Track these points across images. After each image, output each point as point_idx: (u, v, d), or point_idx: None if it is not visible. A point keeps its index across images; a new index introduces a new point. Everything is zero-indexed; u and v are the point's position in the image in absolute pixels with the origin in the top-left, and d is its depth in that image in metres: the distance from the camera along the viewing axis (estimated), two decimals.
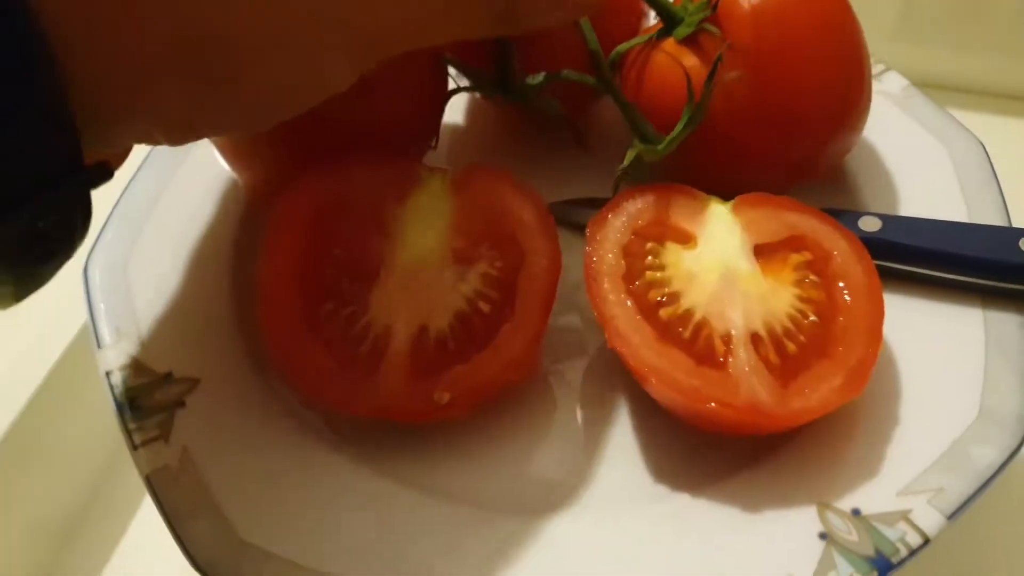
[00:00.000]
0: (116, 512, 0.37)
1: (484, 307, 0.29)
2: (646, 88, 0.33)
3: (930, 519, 0.26)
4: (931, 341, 0.30)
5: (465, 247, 0.30)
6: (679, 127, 0.31)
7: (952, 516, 0.26)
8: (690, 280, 0.30)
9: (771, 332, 0.28)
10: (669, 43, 0.33)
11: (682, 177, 0.32)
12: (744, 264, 0.30)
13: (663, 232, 0.31)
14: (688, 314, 0.29)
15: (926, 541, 0.25)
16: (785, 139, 0.32)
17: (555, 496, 0.29)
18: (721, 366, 0.27)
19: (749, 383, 0.27)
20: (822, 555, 0.25)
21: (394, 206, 0.31)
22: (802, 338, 0.28)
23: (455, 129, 0.41)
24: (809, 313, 0.29)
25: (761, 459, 0.28)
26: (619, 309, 0.28)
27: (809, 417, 0.27)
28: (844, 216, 0.32)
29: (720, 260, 0.30)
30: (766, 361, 0.28)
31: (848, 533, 0.26)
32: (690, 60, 0.32)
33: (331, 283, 0.29)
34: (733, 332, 0.28)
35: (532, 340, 0.29)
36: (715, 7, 0.31)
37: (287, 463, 0.29)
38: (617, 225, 0.30)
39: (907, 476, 0.27)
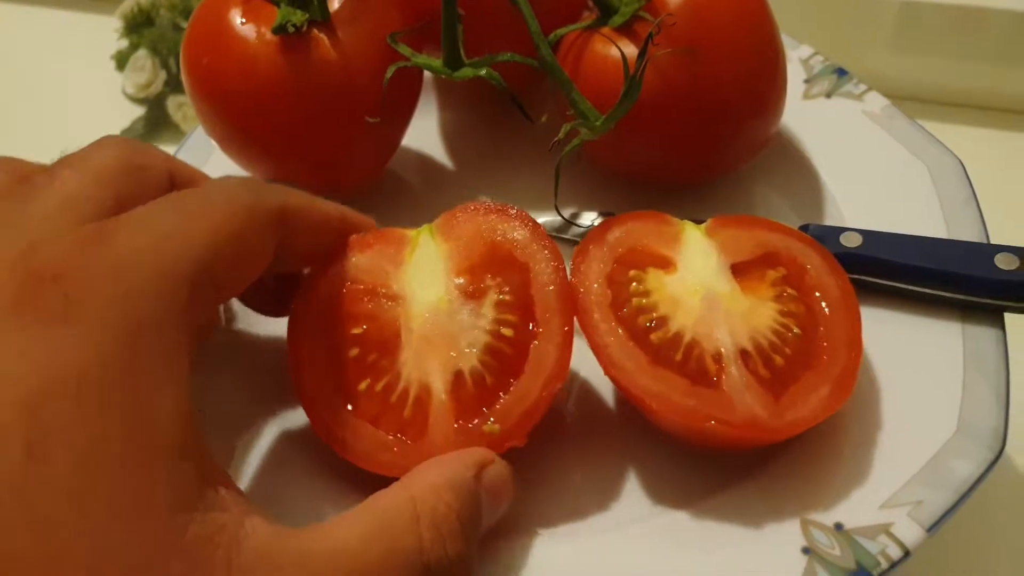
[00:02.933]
0: None
1: (507, 332, 0.29)
2: (582, 73, 0.35)
3: (910, 532, 0.27)
4: (911, 355, 0.31)
5: (470, 284, 0.30)
6: (617, 104, 0.32)
7: (931, 529, 0.27)
8: (675, 304, 0.30)
9: (758, 347, 0.29)
10: (605, 30, 0.35)
11: (614, 165, 0.34)
12: (724, 284, 0.31)
13: (643, 259, 0.31)
14: (678, 336, 0.29)
15: (906, 554, 0.26)
16: (707, 124, 0.34)
17: (562, 517, 0.29)
18: (715, 384, 0.28)
19: (744, 399, 0.28)
20: (805, 570, 0.26)
21: (395, 273, 0.31)
22: (788, 351, 0.29)
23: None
24: (792, 326, 0.29)
25: (749, 475, 0.29)
26: (611, 337, 0.29)
27: (803, 428, 0.27)
28: (826, 232, 0.33)
29: (701, 282, 0.31)
30: (757, 376, 0.28)
31: (831, 547, 0.27)
32: (626, 46, 0.34)
33: (362, 363, 0.30)
34: (723, 350, 0.29)
35: (562, 344, 0.29)
36: None
37: (284, 486, 0.30)
38: (599, 255, 0.31)
39: (888, 490, 0.28)
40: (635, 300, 0.30)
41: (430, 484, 0.25)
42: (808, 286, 0.30)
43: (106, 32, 0.65)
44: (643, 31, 0.33)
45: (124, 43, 0.64)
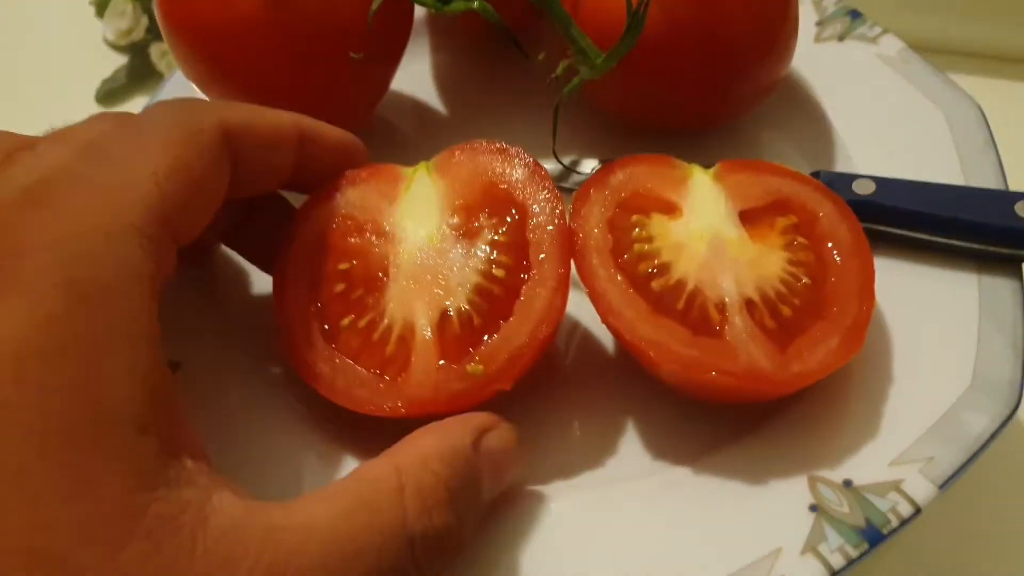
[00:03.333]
0: None
1: (499, 273, 0.28)
2: (583, 7, 0.33)
3: (921, 489, 0.25)
4: (925, 307, 0.30)
5: (464, 223, 0.29)
6: (619, 41, 0.30)
7: (944, 485, 0.26)
8: (679, 250, 0.29)
9: (764, 297, 0.28)
10: None
11: (615, 108, 0.32)
12: (731, 230, 0.29)
13: (647, 203, 0.30)
14: (680, 284, 0.28)
15: (917, 511, 0.25)
16: (714, 63, 0.33)
17: (560, 473, 0.28)
18: (718, 334, 0.27)
19: (747, 350, 0.26)
20: (812, 527, 0.25)
21: (388, 209, 0.30)
22: (796, 301, 0.28)
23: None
24: (801, 275, 0.28)
25: (754, 430, 0.28)
26: (610, 284, 0.28)
27: (810, 380, 0.26)
28: (838, 179, 0.32)
29: (707, 228, 0.29)
30: (762, 326, 0.27)
31: (839, 504, 0.26)
32: None
33: (346, 299, 0.29)
34: (727, 299, 0.28)
35: (556, 288, 0.28)
36: None
37: (273, 447, 0.28)
38: (600, 199, 0.30)
39: (899, 446, 0.27)
40: (637, 246, 0.29)
41: (419, 453, 0.23)
42: (819, 234, 0.29)
43: None
44: None
45: None
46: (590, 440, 0.29)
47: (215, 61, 0.32)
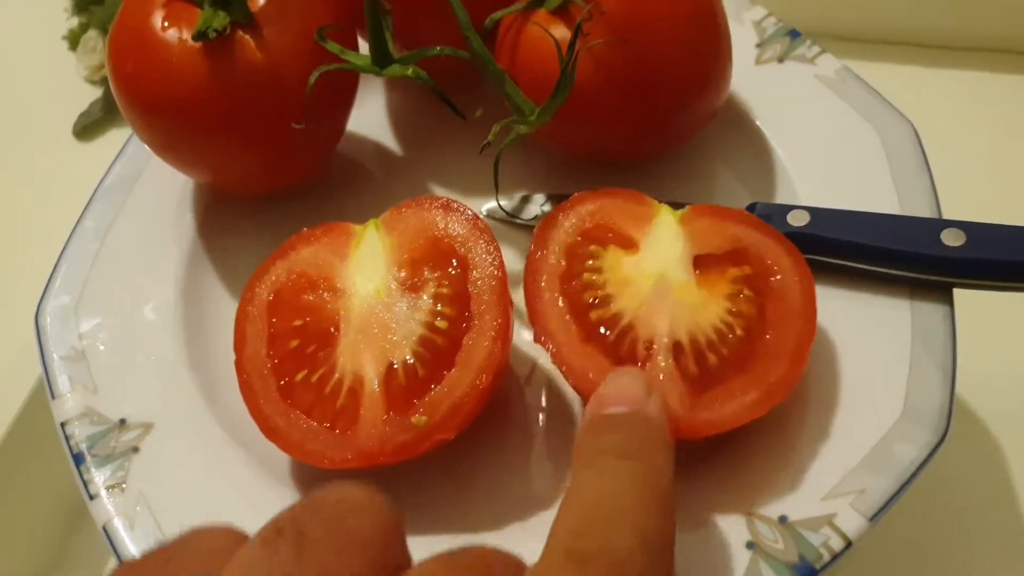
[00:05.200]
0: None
1: (442, 324, 0.30)
2: (520, 59, 0.34)
3: (852, 522, 0.27)
4: (861, 335, 0.31)
5: (410, 277, 0.31)
6: (551, 97, 0.31)
7: (874, 518, 0.27)
8: (625, 285, 0.30)
9: (694, 342, 0.29)
10: (540, 14, 0.33)
11: (557, 149, 0.33)
12: (681, 273, 0.30)
13: (608, 236, 0.31)
14: (616, 317, 0.29)
15: (848, 544, 0.26)
16: (649, 104, 0.33)
17: (515, 516, 0.29)
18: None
19: (660, 388, 0.27)
20: (748, 565, 0.26)
21: (340, 266, 0.31)
22: (724, 351, 0.28)
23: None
24: (736, 328, 0.29)
25: (694, 467, 0.29)
26: (550, 307, 0.29)
27: (717, 429, 0.27)
28: (774, 211, 0.33)
29: (658, 268, 0.30)
30: (684, 370, 0.28)
31: (775, 541, 0.27)
32: (560, 30, 0.32)
33: (300, 354, 0.30)
34: (656, 339, 0.29)
35: (495, 337, 0.29)
36: None
37: (242, 503, 0.30)
38: (566, 226, 0.31)
39: (832, 479, 0.28)
40: (586, 275, 0.30)
41: None
42: (768, 289, 0.29)
43: (58, 10, 0.63)
44: (579, 14, 0.32)
45: (76, 21, 0.62)
46: (542, 483, 0.31)
47: (167, 132, 0.33)
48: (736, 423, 0.27)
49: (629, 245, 0.31)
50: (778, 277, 0.29)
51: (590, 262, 0.31)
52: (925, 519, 0.36)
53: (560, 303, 0.29)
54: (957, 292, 0.31)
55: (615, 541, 0.18)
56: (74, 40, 0.62)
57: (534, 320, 0.29)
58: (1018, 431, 0.39)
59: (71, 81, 0.62)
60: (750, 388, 0.27)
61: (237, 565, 0.16)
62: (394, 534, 0.18)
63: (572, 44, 0.30)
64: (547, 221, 0.31)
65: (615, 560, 0.18)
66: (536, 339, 0.29)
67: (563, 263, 0.30)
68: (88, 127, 0.60)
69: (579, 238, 0.31)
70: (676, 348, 0.28)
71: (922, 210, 0.33)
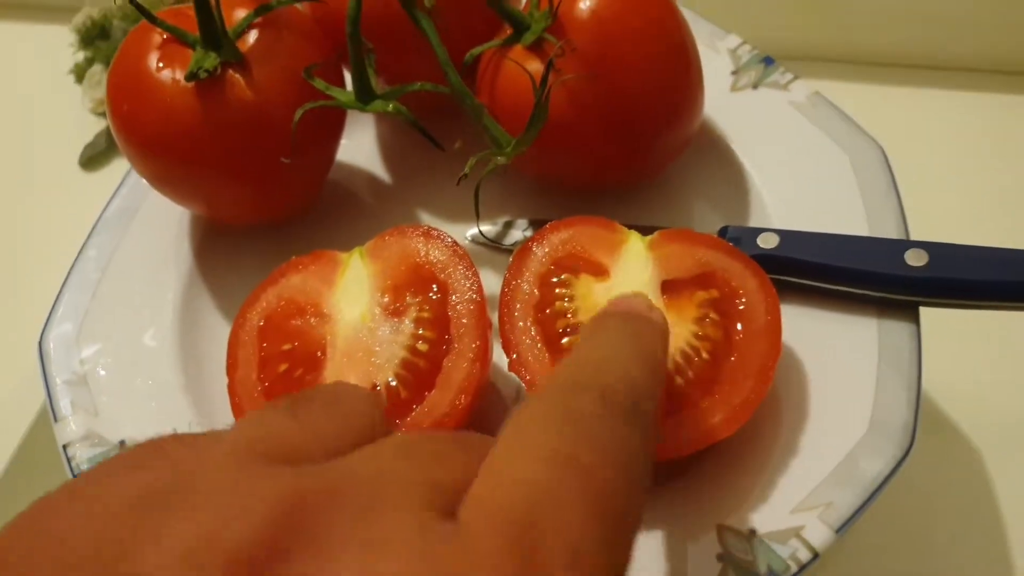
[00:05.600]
0: None
1: (423, 347, 0.31)
2: (498, 92, 0.35)
3: (819, 534, 0.28)
4: (829, 353, 0.32)
5: (393, 303, 0.32)
6: (525, 130, 0.33)
7: (840, 529, 0.28)
8: (595, 311, 0.31)
9: None
10: (517, 49, 0.35)
11: (535, 176, 0.35)
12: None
13: (580, 264, 0.32)
14: None
15: (815, 556, 0.27)
16: (621, 135, 0.35)
17: None
18: None
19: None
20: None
21: (327, 292, 0.33)
22: (690, 374, 0.29)
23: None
24: (702, 351, 0.30)
25: (666, 481, 0.30)
26: (523, 335, 0.31)
27: (683, 451, 0.28)
28: (744, 234, 0.34)
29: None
30: None
31: (745, 553, 0.28)
32: (535, 65, 0.34)
33: (288, 377, 0.31)
34: None
35: (474, 359, 0.30)
36: (555, 15, 0.33)
37: None
38: (539, 255, 0.32)
39: (801, 493, 0.29)
40: (558, 303, 0.31)
41: None
42: (735, 312, 0.30)
43: (64, 45, 0.65)
44: (552, 50, 0.33)
45: (82, 55, 0.64)
46: None
47: (162, 167, 0.35)
48: (703, 444, 0.28)
49: (600, 272, 0.32)
50: (744, 300, 0.30)
51: (562, 290, 0.32)
52: (892, 525, 0.36)
53: (533, 332, 0.30)
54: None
55: (608, 377, 0.20)
56: (80, 73, 0.64)
57: (507, 349, 0.30)
58: (984, 436, 0.40)
59: (77, 113, 0.64)
60: (716, 410, 0.28)
61: (242, 422, 0.19)
62: (380, 410, 0.21)
63: (544, 79, 0.31)
64: (521, 251, 0.32)
65: (605, 393, 0.19)
66: (510, 368, 0.30)
67: (536, 292, 0.31)
68: (94, 158, 0.62)
69: (552, 267, 0.32)
70: None
71: (890, 230, 0.34)
